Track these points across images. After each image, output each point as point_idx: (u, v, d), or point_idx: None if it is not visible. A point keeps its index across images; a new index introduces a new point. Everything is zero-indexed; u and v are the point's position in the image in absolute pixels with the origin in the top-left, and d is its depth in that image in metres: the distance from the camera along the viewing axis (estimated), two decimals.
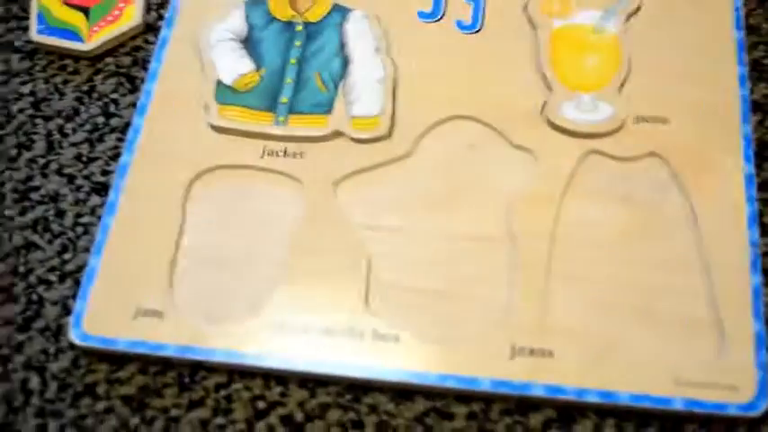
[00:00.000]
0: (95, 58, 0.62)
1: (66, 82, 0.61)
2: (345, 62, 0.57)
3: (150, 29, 0.63)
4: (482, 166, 0.55)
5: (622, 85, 0.56)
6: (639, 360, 0.48)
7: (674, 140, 0.54)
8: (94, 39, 0.61)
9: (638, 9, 0.58)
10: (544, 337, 0.48)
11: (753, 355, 0.47)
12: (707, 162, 0.53)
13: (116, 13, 0.62)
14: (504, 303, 0.50)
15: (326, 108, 0.56)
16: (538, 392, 0.47)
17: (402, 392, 0.49)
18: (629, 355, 0.48)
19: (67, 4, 0.63)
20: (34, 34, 0.62)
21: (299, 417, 0.48)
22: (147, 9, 0.64)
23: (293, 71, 0.57)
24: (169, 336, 0.50)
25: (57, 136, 0.59)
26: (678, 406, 0.46)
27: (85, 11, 0.62)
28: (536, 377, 0.47)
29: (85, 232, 0.55)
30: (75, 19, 0.62)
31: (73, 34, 0.61)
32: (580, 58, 0.57)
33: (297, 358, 0.49)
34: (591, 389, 0.47)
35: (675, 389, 0.47)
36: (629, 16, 0.58)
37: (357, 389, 0.49)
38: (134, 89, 0.60)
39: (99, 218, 0.54)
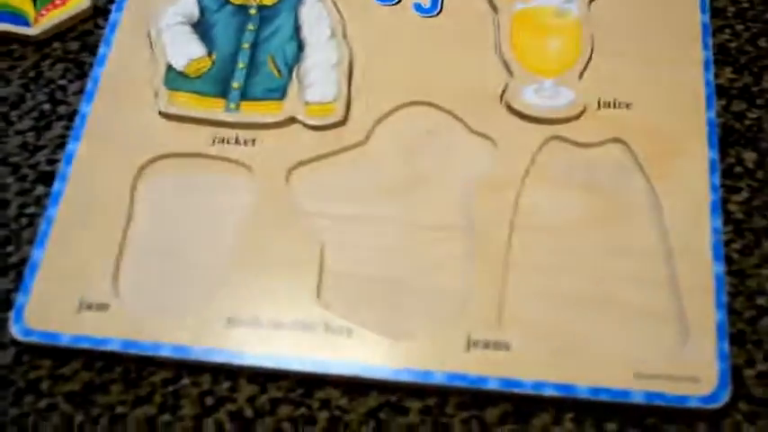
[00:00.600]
0: (42, 42, 0.60)
1: (11, 68, 0.60)
2: (300, 46, 0.56)
3: (100, 12, 0.61)
4: (440, 152, 0.53)
5: (584, 69, 0.54)
6: (599, 352, 0.47)
7: (637, 126, 0.53)
8: (42, 23, 0.59)
9: None
10: (501, 330, 0.47)
11: (714, 345, 0.46)
12: (671, 148, 0.52)
13: None
14: (460, 294, 0.48)
15: (280, 94, 0.54)
16: (494, 386, 0.46)
17: (355, 387, 0.47)
18: (589, 346, 0.47)
19: None
20: None
21: (248, 413, 0.47)
22: None
23: (246, 56, 0.55)
24: (114, 330, 0.48)
25: (1, 124, 0.57)
26: (638, 399, 0.45)
27: None
28: (492, 371, 0.46)
29: (30, 224, 0.53)
30: (22, 2, 0.60)
31: (19, 18, 0.60)
32: (541, 42, 0.56)
33: (246, 352, 0.47)
34: (548, 382, 0.46)
35: (635, 381, 0.45)
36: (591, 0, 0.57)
37: (309, 383, 0.48)
38: (82, 75, 0.58)
39: (44, 208, 0.52)
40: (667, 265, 0.49)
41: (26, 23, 0.60)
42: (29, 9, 0.60)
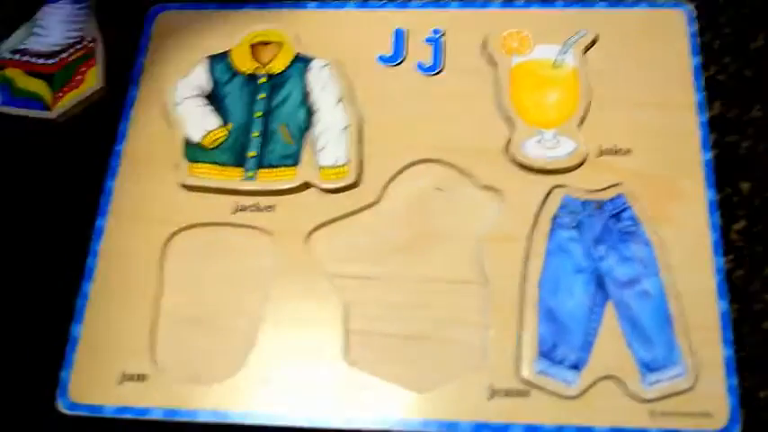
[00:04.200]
0: (61, 122, 0.62)
1: (33, 146, 0.62)
2: (310, 112, 0.58)
3: (115, 89, 0.63)
4: (450, 208, 0.55)
5: (583, 118, 0.56)
6: (614, 393, 0.49)
7: (637, 171, 0.55)
8: (59, 106, 0.62)
9: (595, 41, 0.59)
10: (520, 378, 0.49)
11: (724, 380, 0.49)
12: (670, 191, 0.54)
13: (78, 78, 0.62)
14: (479, 345, 0.51)
15: (294, 160, 0.56)
16: None
17: None
18: (604, 389, 0.49)
19: (30, 73, 0.63)
20: None
21: None
22: (110, 70, 0.64)
23: (259, 124, 0.58)
24: (155, 399, 0.51)
25: (27, 200, 0.60)
26: None
27: (48, 78, 0.63)
28: (515, 417, 0.49)
29: (65, 301, 0.55)
30: (39, 87, 0.62)
31: (37, 102, 0.62)
32: (540, 94, 0.57)
33: (280, 413, 0.50)
34: (569, 425, 0.48)
35: (651, 420, 0.48)
36: (586, 49, 0.59)
37: None
38: (102, 152, 0.60)
39: (78, 286, 0.55)
40: (676, 305, 0.51)
41: (44, 107, 0.62)
42: (45, 93, 0.62)
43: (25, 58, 0.63)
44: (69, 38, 0.64)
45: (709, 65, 0.61)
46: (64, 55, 0.63)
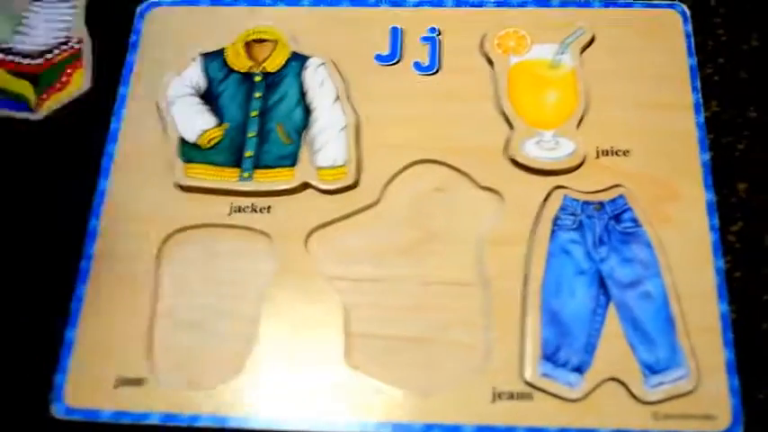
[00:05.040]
0: (48, 121, 0.61)
1: (19, 148, 0.60)
2: (307, 112, 0.57)
3: (103, 87, 0.61)
4: (450, 209, 0.55)
5: (582, 119, 0.56)
6: (618, 396, 0.49)
7: (635, 172, 0.55)
8: (44, 108, 0.60)
9: (592, 41, 0.59)
10: (523, 380, 0.49)
11: (726, 382, 0.49)
12: (669, 192, 0.54)
13: (64, 79, 0.61)
14: (481, 348, 0.51)
15: (291, 161, 0.56)
16: None
17: None
18: (607, 391, 0.49)
19: (13, 73, 0.61)
20: None
21: None
22: (98, 69, 0.62)
23: (255, 124, 0.57)
24: (152, 403, 0.50)
25: (17, 204, 0.58)
26: None
27: (33, 78, 0.61)
28: (518, 420, 0.48)
29: (60, 304, 0.54)
30: (22, 87, 0.61)
31: (20, 104, 0.60)
32: (539, 94, 0.57)
33: (280, 417, 0.49)
34: (572, 428, 0.48)
35: (654, 422, 0.48)
36: (583, 48, 0.59)
37: None
38: (93, 152, 0.59)
39: (71, 288, 0.54)
40: (677, 307, 0.51)
41: (27, 108, 0.60)
42: (29, 93, 0.61)
43: (9, 58, 0.62)
44: (56, 38, 0.63)
45: (704, 65, 0.61)
46: (50, 55, 0.62)
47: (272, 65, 0.59)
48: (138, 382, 0.51)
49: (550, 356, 0.49)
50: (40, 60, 0.62)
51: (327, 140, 0.56)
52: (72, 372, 0.51)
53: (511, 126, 0.56)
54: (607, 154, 0.56)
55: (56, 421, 0.50)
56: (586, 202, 0.53)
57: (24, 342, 0.54)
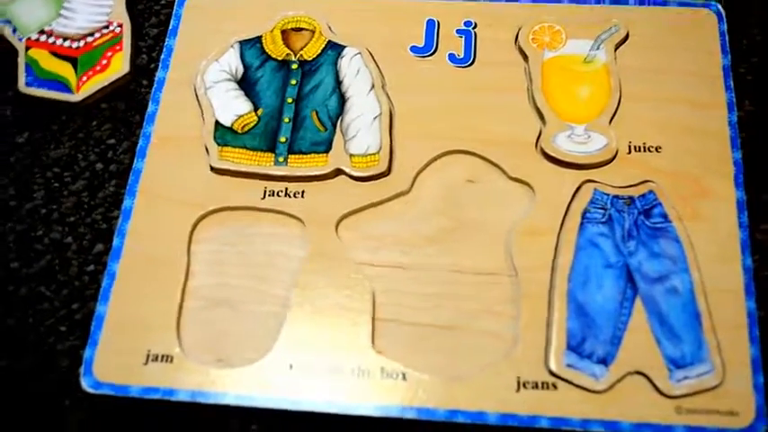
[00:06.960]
0: (89, 104, 0.62)
1: (61, 130, 0.62)
2: (342, 100, 0.58)
3: (142, 71, 0.63)
4: (481, 199, 0.56)
5: (614, 114, 0.57)
6: (642, 389, 0.49)
7: (667, 168, 0.55)
8: (84, 89, 0.62)
9: (627, 38, 0.59)
10: (548, 370, 0.50)
11: (750, 379, 0.49)
12: (700, 189, 0.54)
13: (104, 62, 0.62)
14: (507, 337, 0.51)
15: (325, 147, 0.57)
16: (544, 425, 0.48)
17: (411, 429, 0.50)
18: (631, 384, 0.49)
19: (55, 55, 0.63)
20: (23, 86, 0.62)
21: None
22: (138, 53, 0.64)
23: (290, 110, 0.58)
24: (181, 380, 0.51)
25: (55, 184, 0.60)
26: None
27: (73, 61, 0.63)
28: (542, 410, 0.49)
29: (92, 281, 0.55)
30: (64, 70, 0.62)
31: (62, 85, 0.62)
32: (572, 89, 0.58)
33: (306, 399, 0.50)
34: (595, 419, 0.48)
35: (677, 417, 0.48)
36: (617, 45, 0.59)
37: (366, 427, 0.50)
38: (130, 134, 0.60)
39: (104, 265, 0.55)
40: (704, 303, 0.51)
41: (68, 90, 0.62)
42: (70, 76, 0.62)
43: (51, 40, 0.63)
44: (96, 21, 0.64)
45: (738, 64, 0.61)
46: (90, 39, 0.63)
47: (309, 53, 0.60)
48: (167, 358, 0.51)
49: (576, 347, 0.50)
50: (80, 43, 0.63)
51: (361, 128, 0.57)
52: (102, 346, 0.52)
53: (543, 120, 0.57)
54: (639, 150, 0.56)
55: (85, 394, 0.51)
56: (616, 197, 0.54)
57: (56, 316, 0.55)
